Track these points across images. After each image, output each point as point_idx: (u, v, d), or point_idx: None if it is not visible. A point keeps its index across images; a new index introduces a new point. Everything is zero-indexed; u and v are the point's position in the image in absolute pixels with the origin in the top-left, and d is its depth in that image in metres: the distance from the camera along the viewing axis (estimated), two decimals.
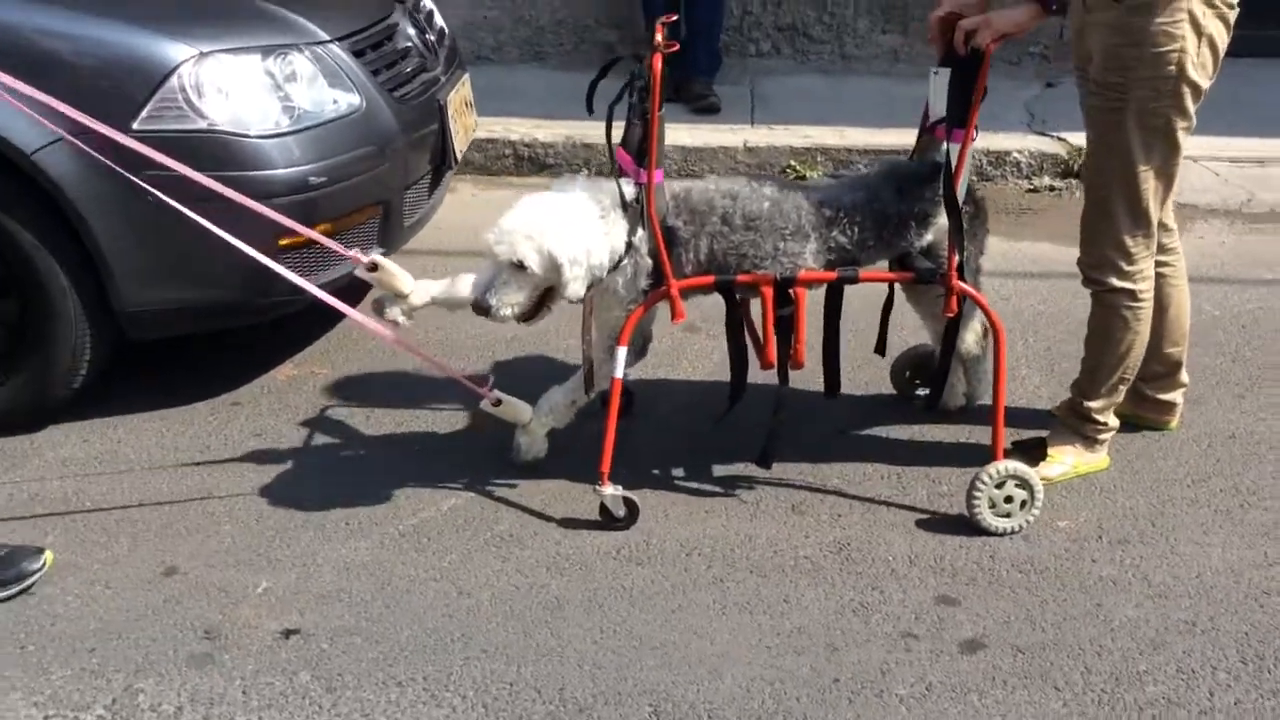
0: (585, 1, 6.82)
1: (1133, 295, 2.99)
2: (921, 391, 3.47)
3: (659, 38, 2.65)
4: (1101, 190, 2.94)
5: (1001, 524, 2.87)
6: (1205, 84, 2.85)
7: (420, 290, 2.99)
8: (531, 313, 2.83)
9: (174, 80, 3.11)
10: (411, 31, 3.99)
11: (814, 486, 3.10)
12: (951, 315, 2.91)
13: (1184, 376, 3.31)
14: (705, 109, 5.99)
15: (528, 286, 2.76)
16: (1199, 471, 3.19)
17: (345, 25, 3.60)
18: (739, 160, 5.66)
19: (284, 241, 3.28)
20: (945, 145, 2.80)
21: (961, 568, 2.79)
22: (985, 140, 5.61)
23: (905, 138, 5.59)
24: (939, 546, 2.87)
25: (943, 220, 2.88)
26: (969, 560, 2.82)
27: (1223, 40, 2.84)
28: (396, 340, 3.05)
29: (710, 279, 2.83)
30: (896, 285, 3.16)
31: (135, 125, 3.09)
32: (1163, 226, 3.10)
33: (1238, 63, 6.63)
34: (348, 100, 3.46)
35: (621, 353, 2.83)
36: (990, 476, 2.85)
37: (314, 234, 3.06)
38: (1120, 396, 3.14)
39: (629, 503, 2.89)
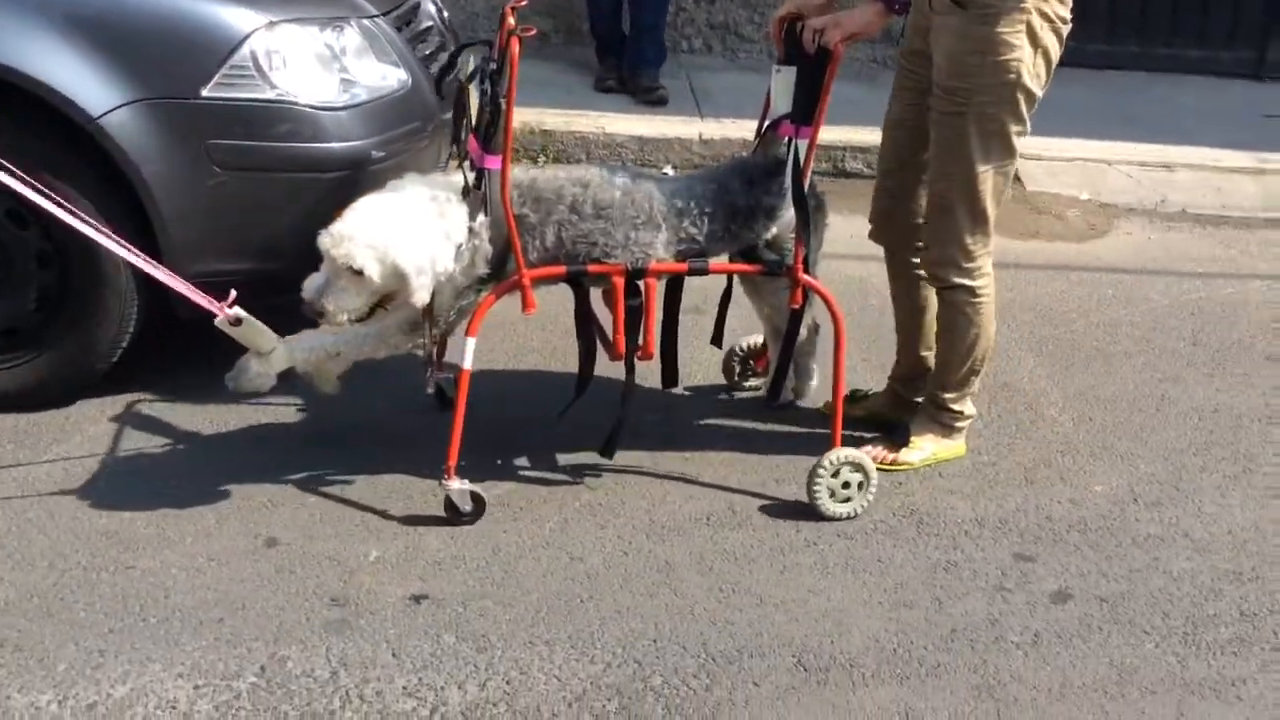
0: None
1: (973, 291, 3.09)
2: (752, 383, 3.56)
3: (512, 20, 2.63)
4: (944, 192, 3.03)
5: (841, 509, 2.96)
6: (1039, 92, 2.96)
7: (282, 351, 2.82)
8: (367, 315, 2.78)
9: (245, 48, 3.06)
10: (432, 9, 3.99)
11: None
12: (797, 307, 2.97)
13: None
14: (655, 101, 6.13)
15: (365, 293, 2.70)
16: (1198, 441, 3.52)
17: (385, 1, 3.59)
18: (694, 151, 5.81)
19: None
20: (793, 141, 2.86)
21: (1025, 528, 3.02)
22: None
23: (845, 133, 5.84)
24: (998, 509, 3.09)
25: (788, 214, 2.93)
26: (1029, 522, 3.05)
27: (1055, 53, 2.95)
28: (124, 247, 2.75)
29: (562, 269, 2.80)
30: (735, 278, 3.21)
31: (205, 92, 3.04)
32: None
33: (1134, 76, 7.28)
34: (396, 75, 3.44)
35: (470, 344, 2.76)
36: (827, 465, 2.93)
37: (178, 282, 2.81)
38: (974, 387, 3.25)
39: (475, 497, 2.84)
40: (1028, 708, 2.41)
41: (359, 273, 2.65)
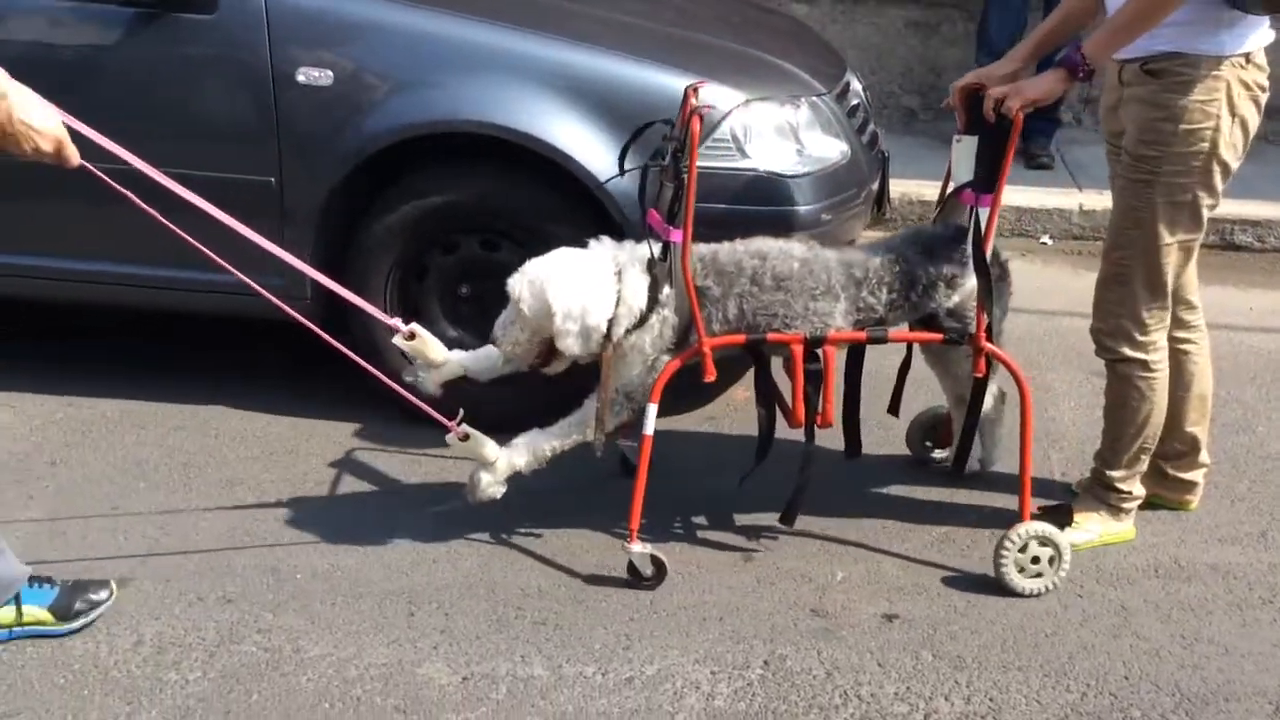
0: (890, 71, 7.17)
1: (1146, 365, 3.01)
2: (938, 454, 3.51)
3: (694, 101, 2.79)
4: (1122, 261, 2.96)
5: (1031, 585, 2.91)
6: (1235, 164, 2.88)
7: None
8: (542, 359, 2.96)
9: (726, 124, 3.47)
10: (858, 87, 4.33)
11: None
12: (980, 375, 2.94)
13: (1204, 456, 3.28)
14: (1038, 166, 6.29)
15: (527, 328, 2.88)
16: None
17: (828, 80, 3.95)
18: (1074, 222, 5.87)
19: None
20: (973, 209, 2.86)
21: None
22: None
23: (1233, 207, 5.71)
24: None
25: (969, 283, 2.93)
26: None
27: (1254, 122, 2.87)
28: (368, 369, 2.95)
29: (742, 338, 2.88)
30: (915, 346, 3.19)
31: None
32: (1187, 304, 3.13)
33: None
34: (839, 148, 3.79)
35: (652, 409, 2.84)
36: (1014, 540, 2.89)
37: (348, 294, 3.00)
38: (1143, 466, 3.15)
39: (656, 561, 2.90)
40: None
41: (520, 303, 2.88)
